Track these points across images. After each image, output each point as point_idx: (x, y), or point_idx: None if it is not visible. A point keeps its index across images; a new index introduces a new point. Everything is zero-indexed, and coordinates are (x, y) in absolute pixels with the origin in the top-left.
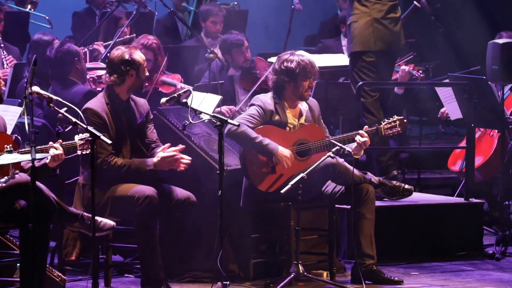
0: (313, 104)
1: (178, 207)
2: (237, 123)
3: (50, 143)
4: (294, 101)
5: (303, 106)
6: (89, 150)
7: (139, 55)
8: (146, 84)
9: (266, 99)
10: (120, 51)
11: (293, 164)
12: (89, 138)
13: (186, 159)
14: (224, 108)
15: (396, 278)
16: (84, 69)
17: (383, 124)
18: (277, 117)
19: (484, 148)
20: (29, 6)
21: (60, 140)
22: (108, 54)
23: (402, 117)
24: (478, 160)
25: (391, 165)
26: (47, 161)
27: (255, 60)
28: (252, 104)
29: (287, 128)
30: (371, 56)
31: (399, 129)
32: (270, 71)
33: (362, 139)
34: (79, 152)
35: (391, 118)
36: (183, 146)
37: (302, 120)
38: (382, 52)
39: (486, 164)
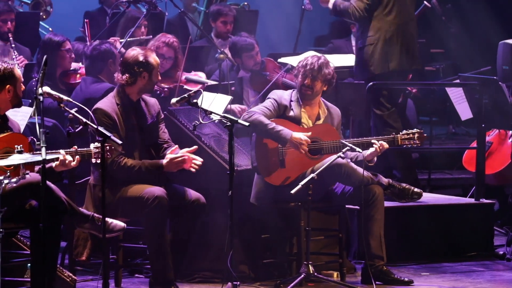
0: (334, 112)
1: (188, 209)
2: (246, 124)
3: (62, 152)
4: (313, 102)
5: (322, 110)
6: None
7: (153, 58)
8: (168, 86)
9: (283, 94)
10: (135, 52)
11: (304, 162)
12: (99, 138)
13: (198, 160)
14: (236, 107)
15: (406, 279)
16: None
17: (401, 134)
18: (291, 113)
19: (504, 153)
20: (42, 14)
21: (76, 147)
22: (122, 50)
23: (422, 130)
24: (498, 166)
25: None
26: (54, 165)
27: (264, 62)
28: (268, 98)
29: (301, 126)
30: (391, 78)
31: (417, 141)
32: (282, 73)
33: (380, 145)
34: (93, 160)
35: (410, 130)
36: (196, 147)
37: (318, 123)
38: (399, 72)
39: (505, 170)
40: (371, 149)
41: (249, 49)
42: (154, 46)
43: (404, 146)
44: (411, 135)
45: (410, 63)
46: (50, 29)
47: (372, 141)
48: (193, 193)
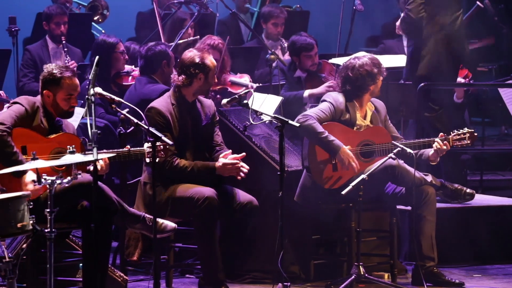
0: (379, 106)
1: (240, 211)
2: (297, 124)
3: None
4: (365, 102)
5: (369, 107)
6: (158, 158)
7: (210, 60)
8: (213, 89)
9: (338, 97)
10: (192, 53)
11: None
12: (151, 139)
13: (245, 167)
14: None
15: (457, 281)
16: (170, 73)
17: (452, 135)
18: (347, 116)
19: None
20: (98, 17)
21: (128, 146)
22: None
23: (472, 130)
24: None
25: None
26: (92, 168)
27: (321, 63)
28: (324, 100)
29: (355, 128)
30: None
31: (468, 142)
32: (338, 77)
33: (441, 146)
34: (147, 160)
35: (461, 130)
36: (244, 154)
37: (368, 120)
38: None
39: None
40: (432, 149)
41: (308, 49)
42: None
43: (455, 146)
44: (462, 135)
45: (455, 66)
46: (103, 30)
47: (435, 140)
48: (245, 196)
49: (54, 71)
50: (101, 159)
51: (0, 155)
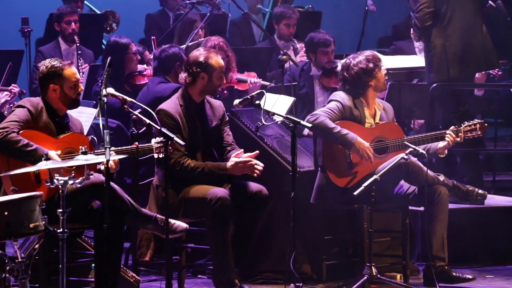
0: (387, 107)
1: (251, 201)
2: (309, 125)
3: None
4: (371, 99)
5: (377, 106)
6: (161, 154)
7: (215, 60)
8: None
9: (345, 96)
10: (198, 52)
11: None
12: (163, 140)
13: (259, 165)
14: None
15: (468, 276)
16: None
17: (463, 126)
18: (356, 112)
19: None
20: (106, 26)
21: (137, 143)
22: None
23: (482, 120)
24: None
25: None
26: (103, 168)
27: (337, 62)
28: (331, 100)
29: (365, 125)
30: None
31: (479, 132)
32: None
33: (454, 138)
34: (155, 155)
35: (471, 121)
36: (257, 152)
37: (377, 119)
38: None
39: None
40: (443, 142)
41: (326, 45)
42: None
43: (466, 137)
44: (472, 126)
45: (475, 68)
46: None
47: (447, 132)
48: (256, 185)
49: (54, 64)
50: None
51: (13, 152)
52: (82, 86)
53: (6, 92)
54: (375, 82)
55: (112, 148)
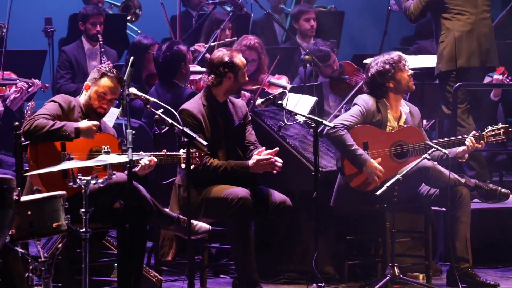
0: (414, 111)
1: (274, 211)
2: (332, 125)
3: (144, 156)
4: (393, 101)
5: (404, 109)
6: (193, 165)
7: (239, 59)
8: (250, 89)
9: (369, 99)
10: (221, 53)
11: (390, 166)
12: (185, 140)
13: (279, 161)
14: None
15: (492, 282)
16: (188, 71)
17: (487, 131)
18: (378, 117)
19: None
20: (131, 17)
21: (165, 150)
22: (207, 55)
23: (507, 125)
24: None
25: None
26: (137, 169)
27: (343, 65)
28: (355, 104)
29: (387, 129)
30: (458, 75)
31: (503, 137)
32: (362, 76)
33: (473, 144)
34: (183, 166)
35: (495, 126)
36: (277, 148)
37: (402, 122)
38: (467, 70)
39: None
40: (463, 147)
41: (325, 60)
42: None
43: (489, 142)
44: (496, 131)
45: (482, 61)
46: (139, 31)
47: (468, 137)
48: (279, 196)
49: (102, 68)
50: (149, 159)
51: (44, 134)
52: (109, 107)
53: (14, 88)
54: (394, 84)
55: (142, 153)
